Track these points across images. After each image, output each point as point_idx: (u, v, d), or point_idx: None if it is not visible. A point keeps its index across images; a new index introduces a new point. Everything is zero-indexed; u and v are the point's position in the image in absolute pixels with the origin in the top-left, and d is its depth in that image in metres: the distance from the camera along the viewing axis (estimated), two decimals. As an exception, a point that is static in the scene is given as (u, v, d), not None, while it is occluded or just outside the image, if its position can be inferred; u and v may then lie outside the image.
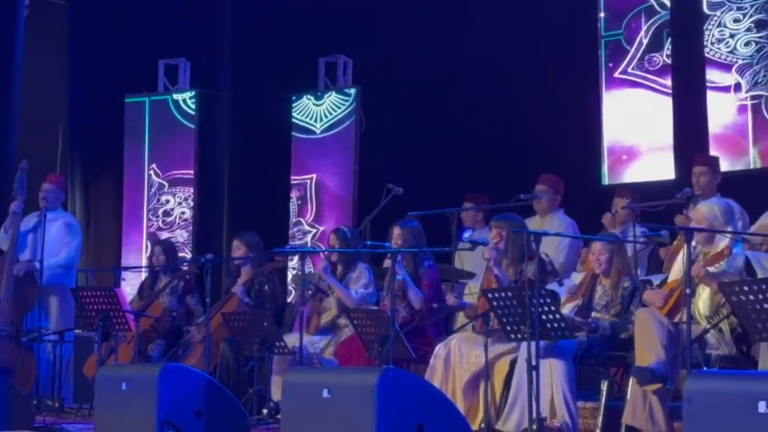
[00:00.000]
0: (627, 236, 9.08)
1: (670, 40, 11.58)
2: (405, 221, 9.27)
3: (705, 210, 7.53)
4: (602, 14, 12.09)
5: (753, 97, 10.98)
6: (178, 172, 14.01)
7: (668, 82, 11.53)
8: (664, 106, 11.54)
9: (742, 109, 11.05)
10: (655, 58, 11.75)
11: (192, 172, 13.95)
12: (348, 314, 8.79)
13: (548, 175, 10.21)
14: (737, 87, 11.08)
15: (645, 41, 11.81)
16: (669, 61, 11.56)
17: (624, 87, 11.92)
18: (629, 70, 11.89)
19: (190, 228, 13.89)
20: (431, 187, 11.63)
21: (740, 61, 11.06)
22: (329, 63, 13.68)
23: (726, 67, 11.15)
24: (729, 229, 7.40)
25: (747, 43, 11.06)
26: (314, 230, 13.23)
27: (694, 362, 6.63)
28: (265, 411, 8.90)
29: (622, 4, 12.05)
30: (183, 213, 13.95)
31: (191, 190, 13.94)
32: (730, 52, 11.12)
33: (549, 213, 10.07)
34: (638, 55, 11.83)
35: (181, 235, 13.86)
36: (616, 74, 11.96)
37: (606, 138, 11.88)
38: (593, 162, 11.82)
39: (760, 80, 11.00)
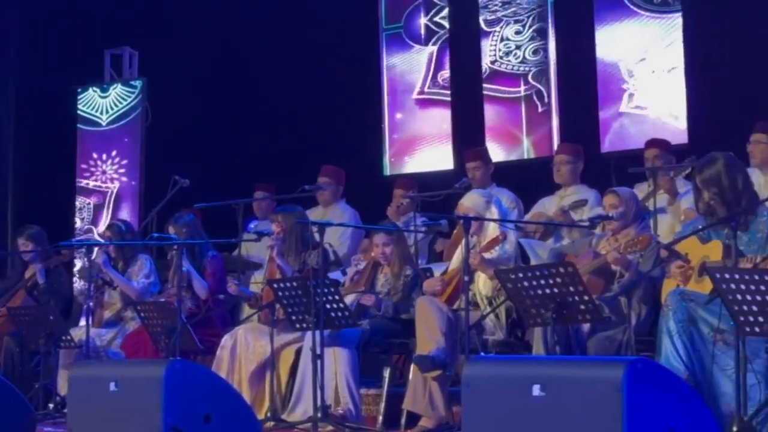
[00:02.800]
0: (408, 226, 9.14)
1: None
2: (177, 217, 9.15)
3: (467, 202, 7.64)
4: (383, 8, 12.14)
5: (526, 89, 11.17)
6: None
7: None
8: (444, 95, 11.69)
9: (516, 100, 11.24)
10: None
11: None
12: (135, 306, 8.64)
13: (330, 166, 10.20)
14: (539, 94, 11.23)
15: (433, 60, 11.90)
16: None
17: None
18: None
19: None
20: (218, 178, 11.51)
21: (534, 69, 11.21)
22: (115, 55, 13.42)
23: (520, 76, 11.29)
24: (493, 211, 7.51)
25: (535, 51, 11.23)
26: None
27: (472, 348, 6.70)
28: (51, 405, 8.66)
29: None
30: None
31: None
32: (521, 62, 11.28)
33: (332, 203, 10.06)
34: (430, 76, 11.90)
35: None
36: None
37: (387, 129, 11.94)
38: (375, 153, 11.87)
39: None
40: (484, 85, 11.36)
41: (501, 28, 11.38)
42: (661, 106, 10.36)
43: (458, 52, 11.63)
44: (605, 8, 10.72)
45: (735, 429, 5.31)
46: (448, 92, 11.65)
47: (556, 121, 10.92)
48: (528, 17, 11.26)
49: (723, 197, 6.30)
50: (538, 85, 11.11)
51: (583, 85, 10.73)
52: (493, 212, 7.52)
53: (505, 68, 11.32)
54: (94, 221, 13.02)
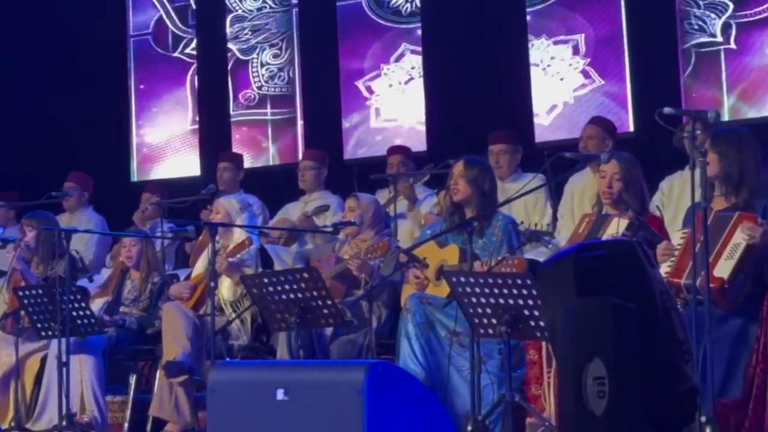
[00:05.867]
0: (155, 232, 9.01)
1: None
2: None
3: (224, 202, 7.68)
4: (130, 15, 11.96)
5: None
6: None
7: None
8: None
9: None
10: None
11: None
12: None
13: (77, 172, 9.97)
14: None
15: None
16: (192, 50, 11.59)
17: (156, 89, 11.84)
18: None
19: None
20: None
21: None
22: None
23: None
24: (243, 217, 7.51)
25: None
26: None
27: (218, 353, 6.68)
28: None
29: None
30: None
31: None
32: (286, 83, 11.26)
33: (78, 210, 9.83)
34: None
35: None
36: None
37: (135, 135, 11.77)
38: (122, 159, 11.67)
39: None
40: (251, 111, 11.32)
41: (258, 54, 11.33)
42: (402, 115, 10.50)
43: (209, 83, 11.53)
44: (348, 19, 10.80)
45: (470, 428, 5.42)
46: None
47: (300, 128, 10.96)
48: (281, 41, 11.24)
49: (476, 197, 6.51)
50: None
51: (326, 93, 10.78)
52: (243, 218, 7.51)
53: (275, 91, 11.26)
54: None
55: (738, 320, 5.41)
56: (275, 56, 11.25)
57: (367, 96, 10.65)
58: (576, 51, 9.66)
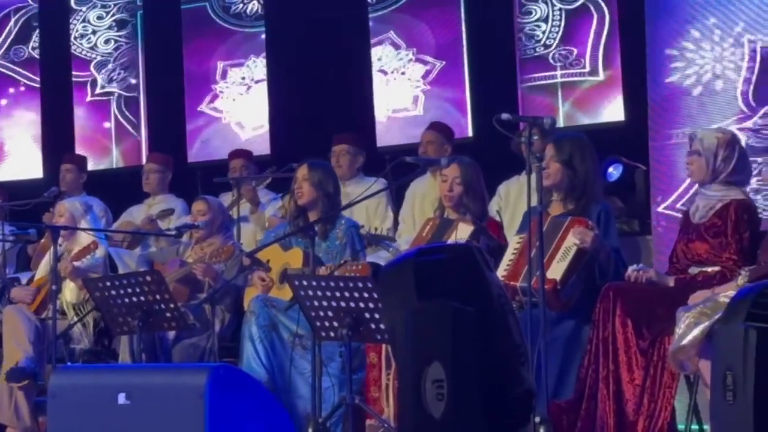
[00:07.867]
0: (-5, 235, 8.81)
1: (38, 32, 11.29)
2: None
3: (68, 205, 7.57)
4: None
5: (85, 76, 10.93)
6: None
7: (36, 76, 11.27)
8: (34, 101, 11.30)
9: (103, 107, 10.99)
10: (21, 50, 11.40)
11: None
12: None
13: None
14: (93, 83, 10.99)
15: (14, 31, 11.44)
16: (36, 55, 11.27)
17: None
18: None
19: None
20: None
21: (99, 58, 11.00)
22: None
23: (86, 62, 11.03)
24: (89, 222, 7.40)
25: (107, 41, 11.02)
26: None
27: (59, 357, 6.57)
28: None
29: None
30: None
31: None
32: (92, 48, 11.04)
33: None
34: (5, 46, 11.42)
35: None
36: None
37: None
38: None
39: (114, 77, 10.97)
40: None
41: (87, 9, 11.11)
42: (246, 118, 10.43)
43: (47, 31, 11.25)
44: (192, 21, 10.68)
45: (311, 430, 5.41)
46: (28, 73, 11.30)
47: (144, 131, 10.80)
48: (114, 6, 11.04)
49: (320, 200, 6.55)
50: (96, 74, 10.93)
51: (170, 96, 10.65)
52: (87, 220, 7.41)
53: (74, 50, 11.05)
54: None
55: (571, 322, 5.52)
56: (99, 18, 11.06)
57: (211, 99, 10.54)
58: (426, 75, 9.68)
